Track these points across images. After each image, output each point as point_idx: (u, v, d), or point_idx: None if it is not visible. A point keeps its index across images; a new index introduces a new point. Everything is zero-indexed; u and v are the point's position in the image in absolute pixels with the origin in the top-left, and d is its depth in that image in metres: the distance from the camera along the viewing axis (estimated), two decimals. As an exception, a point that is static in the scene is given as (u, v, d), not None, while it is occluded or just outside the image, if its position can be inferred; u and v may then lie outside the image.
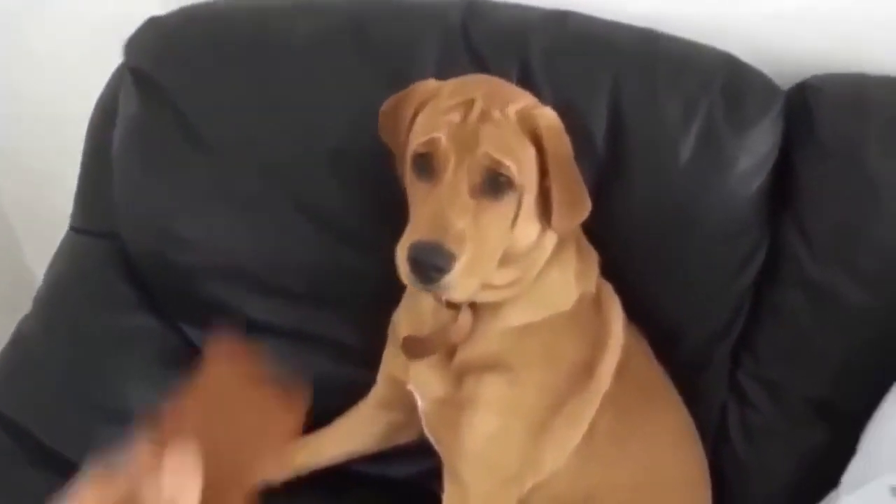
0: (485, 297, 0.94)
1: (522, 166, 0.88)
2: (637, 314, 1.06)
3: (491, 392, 0.95)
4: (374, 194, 1.07)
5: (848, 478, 0.96)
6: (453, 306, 0.96)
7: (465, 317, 0.96)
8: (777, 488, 1.12)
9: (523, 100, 0.92)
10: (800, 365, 1.09)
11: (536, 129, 0.89)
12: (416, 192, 0.90)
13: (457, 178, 0.86)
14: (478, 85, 0.92)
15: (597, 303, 1.01)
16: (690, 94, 1.03)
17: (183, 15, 1.10)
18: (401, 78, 0.99)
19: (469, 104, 0.88)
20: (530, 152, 0.89)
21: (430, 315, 1.00)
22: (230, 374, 0.49)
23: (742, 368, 1.14)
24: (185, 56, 1.09)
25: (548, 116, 0.91)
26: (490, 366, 0.96)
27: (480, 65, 1.06)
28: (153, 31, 1.09)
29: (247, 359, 0.52)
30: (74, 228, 1.17)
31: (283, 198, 1.09)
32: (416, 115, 0.92)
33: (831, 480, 0.98)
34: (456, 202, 0.85)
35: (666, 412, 1.06)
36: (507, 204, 0.88)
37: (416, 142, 0.89)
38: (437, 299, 0.97)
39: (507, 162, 0.86)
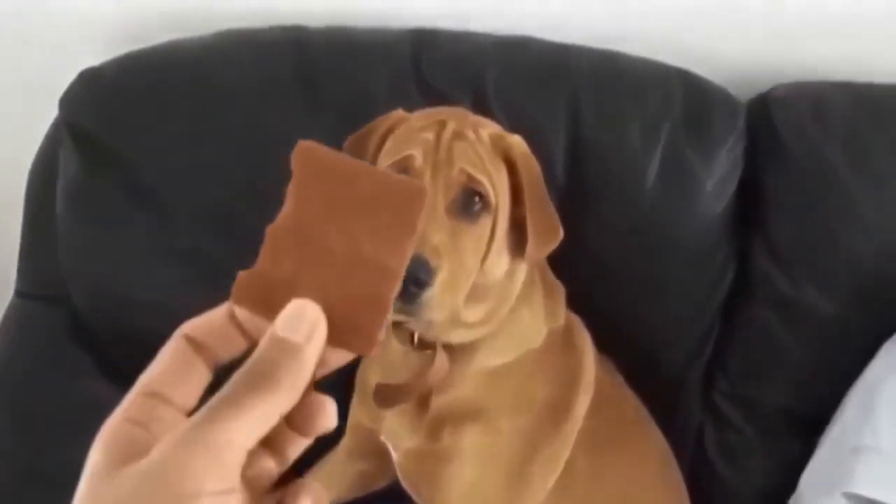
0: (459, 336, 0.91)
1: (497, 188, 0.85)
2: (609, 342, 1.04)
3: (470, 443, 0.93)
4: None
5: (807, 480, 0.99)
6: (425, 347, 0.92)
7: (442, 358, 0.91)
8: (762, 501, 1.11)
9: (493, 126, 0.91)
10: (773, 379, 1.09)
11: (509, 153, 0.87)
12: None
13: (433, 195, 0.83)
14: (447, 111, 0.91)
15: (566, 338, 0.99)
16: (652, 117, 1.01)
17: (118, 65, 1.04)
18: (351, 117, 0.95)
19: (441, 124, 0.86)
20: (504, 175, 0.87)
21: (401, 361, 0.95)
22: (325, 180, 0.39)
23: (716, 388, 1.13)
24: (124, 108, 1.03)
25: (519, 143, 0.89)
26: (467, 414, 0.93)
27: (433, 97, 1.02)
28: (89, 84, 1.03)
29: (341, 157, 0.41)
30: (21, 293, 1.12)
31: (232, 253, 1.02)
32: (383, 142, 0.89)
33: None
34: (433, 217, 0.81)
35: (642, 443, 1.04)
36: (481, 227, 0.85)
37: (387, 163, 0.86)
38: (406, 342, 0.93)
39: (483, 179, 0.84)
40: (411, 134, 0.86)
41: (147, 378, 0.39)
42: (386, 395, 0.95)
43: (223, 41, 1.07)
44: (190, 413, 0.38)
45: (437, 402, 0.94)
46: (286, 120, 1.03)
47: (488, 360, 0.94)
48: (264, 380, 0.36)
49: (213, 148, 1.03)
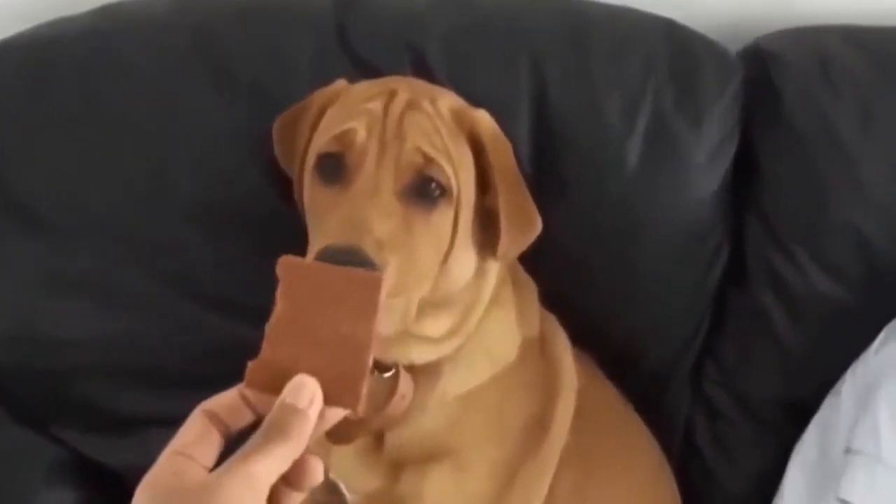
0: (419, 354, 0.79)
1: (459, 173, 0.73)
2: (589, 338, 0.94)
3: (436, 487, 0.81)
4: (249, 246, 0.91)
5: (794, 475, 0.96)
6: (384, 369, 0.78)
7: (406, 384, 0.78)
8: (752, 493, 1.06)
9: (453, 98, 0.78)
10: (768, 368, 1.02)
11: (475, 129, 0.75)
12: (321, 202, 0.73)
13: (378, 175, 0.70)
14: (399, 80, 0.79)
15: (541, 343, 0.89)
16: (632, 80, 0.88)
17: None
18: (268, 98, 0.85)
19: (391, 94, 0.74)
20: (467, 157, 0.75)
21: None
22: (304, 284, 0.52)
23: (706, 377, 1.06)
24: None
25: (487, 119, 0.77)
26: (431, 453, 0.82)
27: (365, 68, 0.88)
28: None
29: (314, 265, 0.59)
30: None
31: (139, 272, 0.92)
32: (320, 118, 0.77)
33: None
34: (377, 202, 0.69)
35: (631, 448, 0.97)
36: (440, 217, 0.73)
37: (323, 140, 0.73)
38: None
39: (442, 161, 0.72)
40: (354, 105, 0.74)
41: (176, 441, 0.49)
42: (339, 429, 0.80)
43: (107, 19, 0.92)
44: (210, 471, 0.48)
45: (394, 440, 0.82)
46: (191, 105, 0.88)
47: (455, 384, 0.82)
48: (279, 434, 0.47)
49: (104, 149, 0.89)
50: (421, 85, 0.78)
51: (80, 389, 0.98)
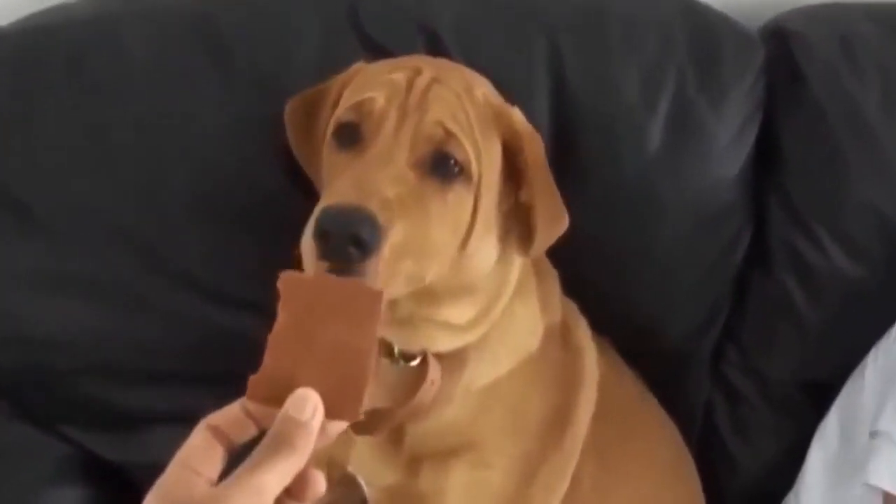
0: (445, 342, 0.76)
1: (483, 158, 0.69)
2: (609, 321, 0.92)
3: (456, 482, 0.80)
4: (249, 239, 0.89)
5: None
6: (410, 358, 0.76)
7: (435, 370, 0.75)
8: (772, 477, 1.05)
9: (490, 89, 0.75)
10: (790, 350, 1.01)
11: (513, 129, 0.72)
12: (334, 166, 0.70)
13: (394, 143, 0.67)
14: (426, 60, 0.76)
15: (563, 333, 0.86)
16: (651, 60, 0.85)
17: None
18: (276, 89, 0.80)
19: (416, 70, 0.71)
20: (496, 150, 0.72)
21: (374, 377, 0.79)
22: (305, 297, 0.52)
23: (727, 360, 1.05)
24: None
25: (522, 117, 0.74)
26: (452, 447, 0.79)
27: (377, 51, 0.84)
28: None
29: (315, 279, 0.59)
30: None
31: (137, 268, 0.90)
32: (339, 99, 0.74)
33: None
34: (390, 168, 0.65)
35: (652, 441, 0.95)
36: (456, 197, 0.69)
37: (339, 112, 0.71)
38: (384, 354, 0.76)
39: (463, 140, 0.68)
40: (376, 76, 0.71)
41: (181, 455, 0.49)
42: (365, 420, 0.78)
43: (103, 6, 0.89)
44: (214, 484, 0.49)
45: (414, 433, 0.79)
46: (194, 101, 0.85)
47: (480, 374, 0.79)
48: (284, 446, 0.48)
49: (99, 143, 0.85)
50: (455, 68, 0.75)
51: (82, 387, 0.96)
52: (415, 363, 0.76)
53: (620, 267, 0.94)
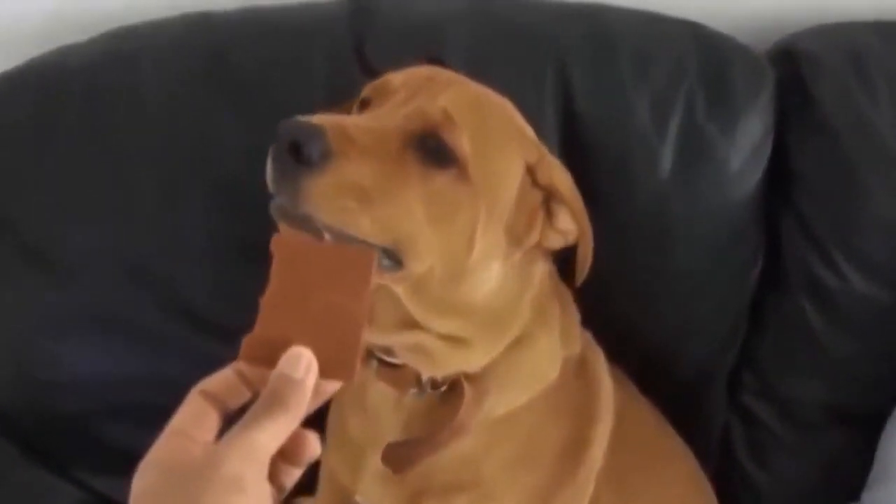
0: (464, 362, 0.73)
1: (493, 168, 0.65)
2: (624, 346, 0.90)
3: None
4: (265, 277, 0.86)
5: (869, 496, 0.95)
6: (434, 385, 0.73)
7: (472, 396, 0.72)
8: (790, 502, 1.05)
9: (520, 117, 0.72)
10: (808, 373, 1.00)
11: (538, 152, 0.69)
12: None
13: (390, 112, 0.63)
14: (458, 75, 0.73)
15: (581, 363, 0.84)
16: (662, 87, 0.84)
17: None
18: (285, 117, 0.76)
19: (440, 71, 0.70)
20: (515, 168, 0.67)
21: (390, 411, 0.77)
22: (297, 260, 0.53)
23: (743, 385, 1.04)
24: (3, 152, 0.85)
25: (562, 170, 0.72)
26: (458, 481, 0.77)
27: None
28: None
29: (307, 242, 0.57)
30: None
31: (151, 308, 0.88)
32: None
33: (847, 486, 0.98)
34: (372, 125, 0.61)
35: (669, 470, 0.93)
36: (445, 187, 0.63)
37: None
38: (402, 384, 0.74)
39: (464, 133, 0.63)
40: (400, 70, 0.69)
41: (174, 422, 0.50)
42: (399, 456, 0.75)
43: (115, 44, 0.88)
44: None
45: (422, 464, 0.75)
46: (204, 130, 0.84)
47: (499, 403, 0.76)
48: (277, 404, 0.48)
49: (115, 179, 0.84)
50: (489, 91, 0.70)
51: (94, 430, 0.94)
52: (443, 389, 0.74)
53: (635, 293, 0.93)
